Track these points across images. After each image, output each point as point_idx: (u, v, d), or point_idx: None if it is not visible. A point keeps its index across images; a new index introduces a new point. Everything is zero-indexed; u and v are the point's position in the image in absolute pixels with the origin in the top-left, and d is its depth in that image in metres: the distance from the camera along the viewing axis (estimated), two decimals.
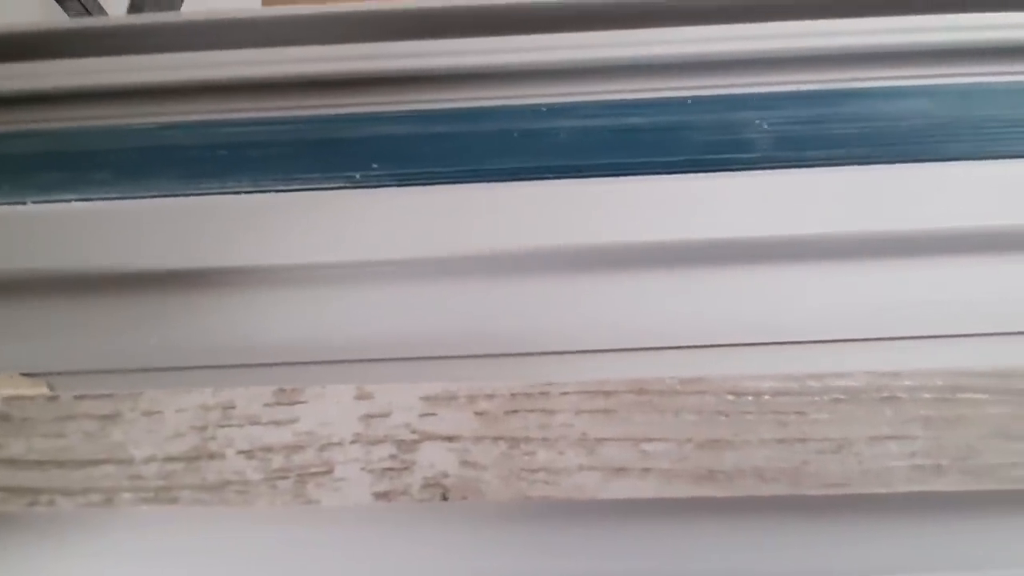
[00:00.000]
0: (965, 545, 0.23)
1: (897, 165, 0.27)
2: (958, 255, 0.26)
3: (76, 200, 0.28)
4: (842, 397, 0.23)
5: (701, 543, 0.23)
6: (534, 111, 0.28)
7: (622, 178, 0.28)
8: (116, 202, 0.27)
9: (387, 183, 0.26)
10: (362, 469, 0.23)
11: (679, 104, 0.29)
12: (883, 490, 0.23)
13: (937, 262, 0.26)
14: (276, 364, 0.25)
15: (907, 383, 0.23)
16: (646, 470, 0.23)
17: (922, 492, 0.22)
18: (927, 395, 0.23)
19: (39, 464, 0.23)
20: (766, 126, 0.28)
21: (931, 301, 0.25)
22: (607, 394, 0.24)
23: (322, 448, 0.23)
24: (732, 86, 0.29)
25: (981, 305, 0.25)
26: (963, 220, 0.27)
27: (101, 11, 0.90)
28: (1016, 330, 0.25)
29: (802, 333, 0.25)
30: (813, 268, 0.26)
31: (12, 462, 0.23)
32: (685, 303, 0.27)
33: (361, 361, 0.25)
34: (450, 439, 0.23)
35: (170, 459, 0.23)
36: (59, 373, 0.27)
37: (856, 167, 0.28)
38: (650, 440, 0.23)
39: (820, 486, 0.23)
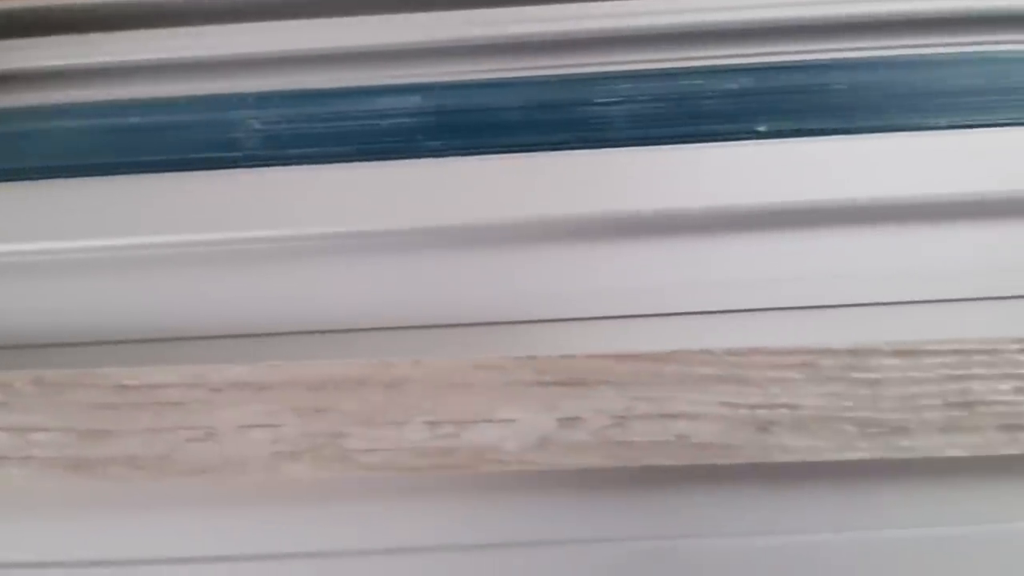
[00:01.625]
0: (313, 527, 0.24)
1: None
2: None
3: None
4: (221, 388, 0.24)
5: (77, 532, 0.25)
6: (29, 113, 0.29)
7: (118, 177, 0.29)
8: None
9: None
10: None
11: (176, 104, 0.29)
12: (243, 477, 0.24)
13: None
14: None
15: (279, 377, 0.24)
16: (27, 458, 0.24)
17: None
18: (300, 387, 0.24)
19: None
20: (258, 125, 0.29)
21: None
22: (3, 386, 0.25)
23: None
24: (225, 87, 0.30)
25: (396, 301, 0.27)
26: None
27: None
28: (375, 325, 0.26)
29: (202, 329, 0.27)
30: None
31: None
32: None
33: None
34: None
35: None
36: None
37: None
38: (38, 430, 0.24)
39: (185, 473, 0.24)
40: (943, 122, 0.27)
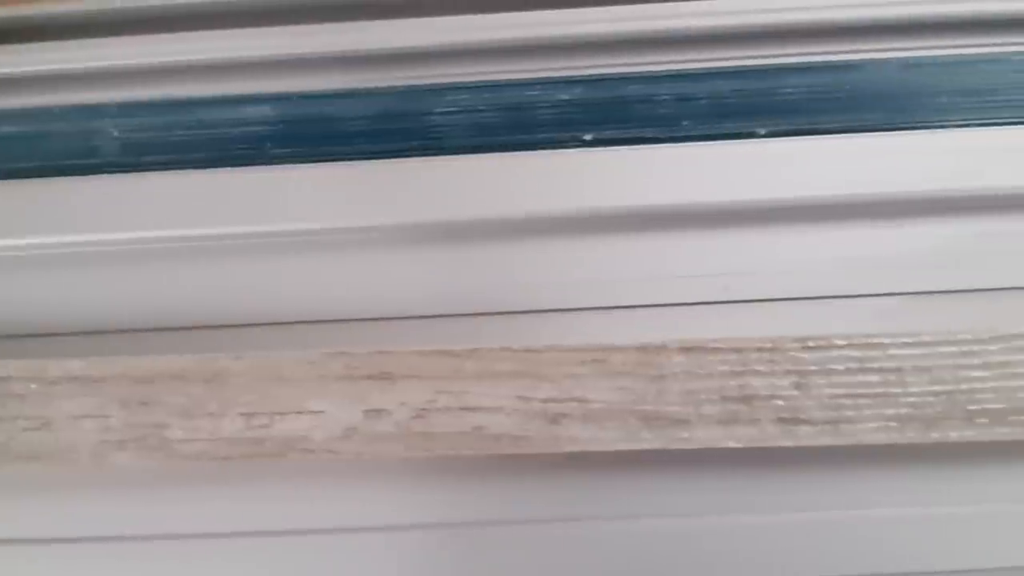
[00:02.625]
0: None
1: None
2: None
3: None
4: (58, 381, 0.26)
5: None
6: None
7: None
8: None
9: None
10: None
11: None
12: (74, 464, 0.26)
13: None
14: None
15: (109, 371, 0.26)
16: None
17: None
18: (128, 381, 0.26)
19: None
20: (116, 133, 0.31)
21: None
22: None
23: None
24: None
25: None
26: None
27: None
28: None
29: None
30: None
31: None
32: None
33: None
34: None
35: None
36: None
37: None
38: None
39: (21, 459, 0.26)
40: (762, 131, 0.29)
